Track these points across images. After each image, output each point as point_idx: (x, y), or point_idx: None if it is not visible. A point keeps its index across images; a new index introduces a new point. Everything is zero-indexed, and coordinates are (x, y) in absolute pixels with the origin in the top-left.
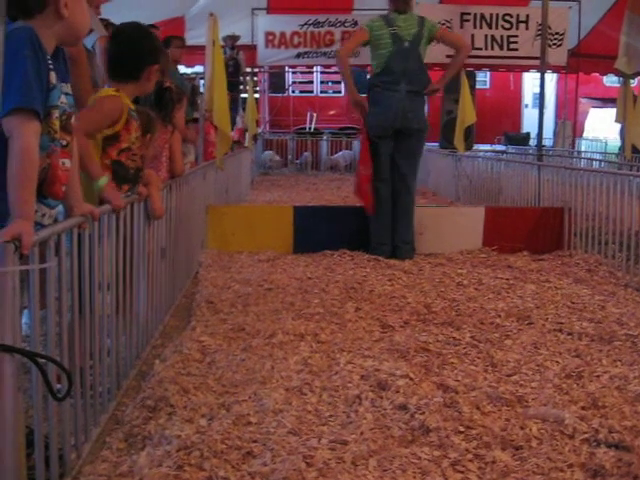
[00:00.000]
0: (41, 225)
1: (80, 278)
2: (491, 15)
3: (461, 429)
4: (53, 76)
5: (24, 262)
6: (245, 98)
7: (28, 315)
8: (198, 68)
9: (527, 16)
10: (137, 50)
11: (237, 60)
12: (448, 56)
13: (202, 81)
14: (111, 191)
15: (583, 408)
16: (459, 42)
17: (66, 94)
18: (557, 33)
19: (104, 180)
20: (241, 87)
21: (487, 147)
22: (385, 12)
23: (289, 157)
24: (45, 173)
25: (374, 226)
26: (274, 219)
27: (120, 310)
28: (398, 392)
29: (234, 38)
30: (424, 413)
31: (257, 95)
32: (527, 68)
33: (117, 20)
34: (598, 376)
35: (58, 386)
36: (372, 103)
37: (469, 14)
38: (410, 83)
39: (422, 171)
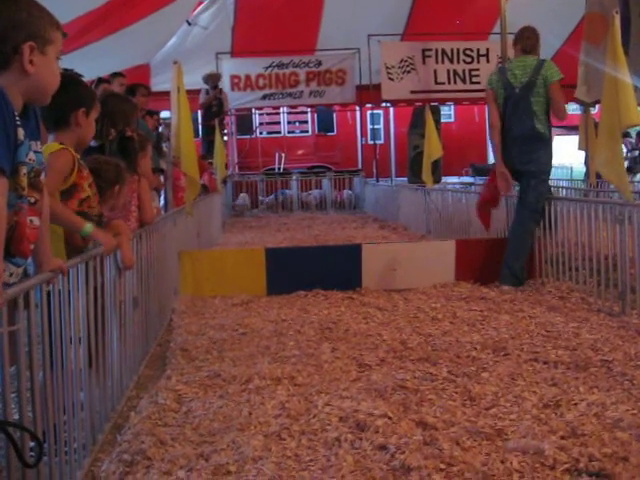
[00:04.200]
0: (7, 285)
1: (51, 333)
2: (452, 50)
3: (442, 467)
4: (21, 132)
5: None
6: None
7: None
8: (165, 113)
9: (487, 49)
10: (57, 98)
11: (220, 100)
12: (412, 91)
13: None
14: (101, 234)
15: (562, 438)
16: (557, 107)
17: (35, 152)
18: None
19: (90, 227)
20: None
21: (455, 179)
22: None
23: (259, 198)
24: (12, 231)
25: None
26: (246, 262)
27: (93, 363)
28: (377, 432)
29: (216, 77)
30: (404, 452)
31: (225, 138)
32: None
33: (82, 70)
34: (576, 404)
35: (32, 444)
36: None
37: (431, 50)
38: (522, 128)
39: (392, 206)
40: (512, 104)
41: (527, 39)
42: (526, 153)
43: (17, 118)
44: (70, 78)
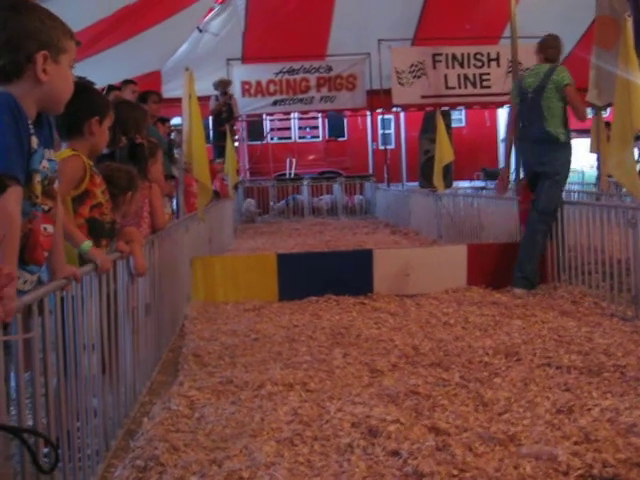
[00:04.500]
0: (22, 292)
1: (65, 339)
2: (462, 55)
3: (455, 472)
4: (34, 141)
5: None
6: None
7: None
8: (176, 120)
9: (498, 54)
10: (71, 106)
11: (230, 105)
12: (423, 96)
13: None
14: (98, 253)
15: (576, 443)
16: (575, 110)
17: (49, 160)
18: (528, 69)
19: (88, 244)
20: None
21: (466, 184)
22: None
23: (270, 204)
24: (26, 239)
25: None
26: (258, 268)
27: (106, 369)
28: (390, 438)
29: (226, 83)
30: (417, 458)
31: (236, 144)
32: (501, 104)
33: (94, 77)
34: (589, 409)
35: (46, 450)
36: None
37: (441, 54)
38: (535, 131)
39: (404, 211)
40: (526, 108)
41: (551, 48)
42: (541, 155)
43: (31, 126)
44: (84, 86)
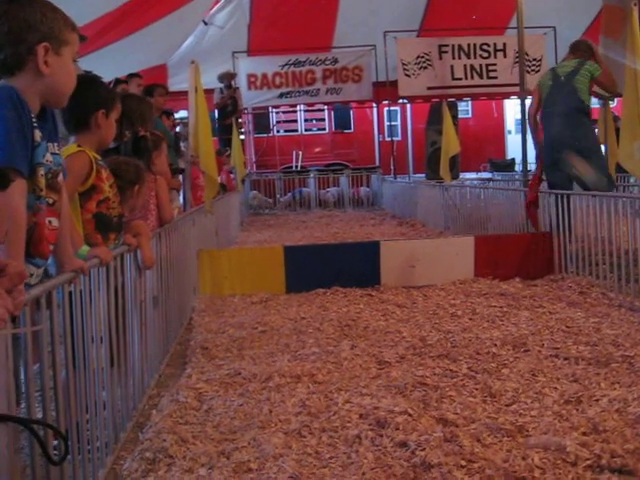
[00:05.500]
0: (28, 285)
1: (73, 332)
2: (469, 45)
3: (463, 463)
4: (37, 134)
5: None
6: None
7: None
8: (182, 113)
9: (504, 44)
10: (77, 99)
11: (235, 98)
12: (429, 88)
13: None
14: (96, 249)
15: (584, 434)
16: (610, 87)
17: (53, 153)
18: (535, 59)
19: (85, 250)
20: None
21: (473, 175)
22: None
23: (277, 196)
24: (31, 232)
25: None
26: (265, 260)
27: (115, 362)
28: (398, 429)
29: (231, 75)
30: (425, 449)
31: (242, 137)
32: (507, 95)
33: (100, 71)
34: (597, 400)
35: (55, 442)
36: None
37: (447, 45)
38: (565, 105)
39: (410, 203)
40: (557, 89)
41: (582, 51)
42: (571, 125)
43: (34, 120)
44: (90, 79)
